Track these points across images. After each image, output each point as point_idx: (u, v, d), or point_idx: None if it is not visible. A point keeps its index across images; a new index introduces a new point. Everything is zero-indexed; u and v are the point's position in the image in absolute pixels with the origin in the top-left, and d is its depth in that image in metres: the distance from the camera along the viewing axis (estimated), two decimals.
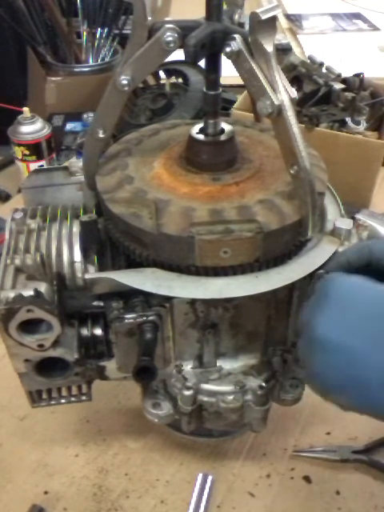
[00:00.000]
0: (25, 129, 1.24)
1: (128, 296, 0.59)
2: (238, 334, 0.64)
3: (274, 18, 0.50)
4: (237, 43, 0.51)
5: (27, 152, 1.25)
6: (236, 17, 0.57)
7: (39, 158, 1.26)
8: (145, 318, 0.58)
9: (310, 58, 1.28)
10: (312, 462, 0.82)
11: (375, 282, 0.50)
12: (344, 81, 1.26)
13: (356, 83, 1.27)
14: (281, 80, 0.52)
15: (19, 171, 1.30)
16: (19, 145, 1.24)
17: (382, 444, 0.83)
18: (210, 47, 0.53)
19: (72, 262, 0.61)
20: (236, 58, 0.52)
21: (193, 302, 0.60)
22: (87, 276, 0.58)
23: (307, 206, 0.56)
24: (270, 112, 0.52)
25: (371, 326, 0.46)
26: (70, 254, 0.61)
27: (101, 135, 0.61)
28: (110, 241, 0.64)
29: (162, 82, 1.39)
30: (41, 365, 0.63)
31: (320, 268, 0.58)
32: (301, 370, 0.63)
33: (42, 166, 1.26)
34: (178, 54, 0.55)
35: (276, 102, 0.51)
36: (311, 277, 0.58)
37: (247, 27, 0.51)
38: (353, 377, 0.46)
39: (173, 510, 0.77)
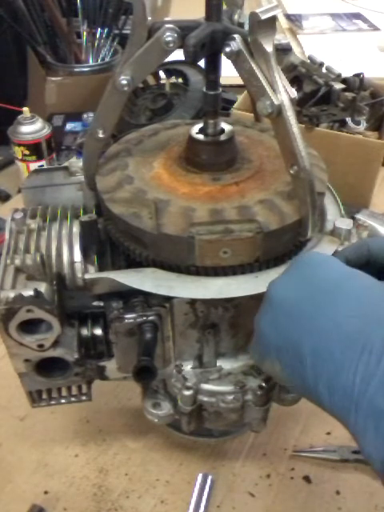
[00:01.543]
0: (25, 129, 1.24)
1: (128, 296, 0.59)
2: (238, 333, 0.64)
3: (273, 18, 0.50)
4: (236, 43, 0.51)
5: (27, 152, 1.25)
6: (236, 17, 0.57)
7: (39, 158, 1.26)
8: (145, 318, 0.58)
9: (310, 58, 1.28)
10: (312, 461, 0.82)
11: (346, 266, 0.51)
12: (344, 81, 1.25)
13: (356, 83, 1.26)
14: (281, 80, 0.52)
15: (19, 171, 1.30)
16: (19, 145, 1.24)
17: None
18: (210, 47, 0.53)
19: (72, 262, 0.61)
20: (236, 58, 0.52)
21: (193, 302, 0.60)
22: (87, 276, 0.58)
23: (307, 206, 0.56)
24: (270, 112, 0.52)
25: (322, 296, 0.47)
26: (70, 253, 0.61)
27: (101, 135, 0.61)
28: (110, 241, 0.64)
29: (162, 81, 1.39)
30: (41, 365, 0.63)
31: None
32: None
33: (41, 165, 1.26)
34: (178, 54, 0.55)
35: (276, 102, 0.51)
36: None
37: (247, 27, 0.51)
38: (290, 339, 0.47)
39: (173, 510, 0.77)
